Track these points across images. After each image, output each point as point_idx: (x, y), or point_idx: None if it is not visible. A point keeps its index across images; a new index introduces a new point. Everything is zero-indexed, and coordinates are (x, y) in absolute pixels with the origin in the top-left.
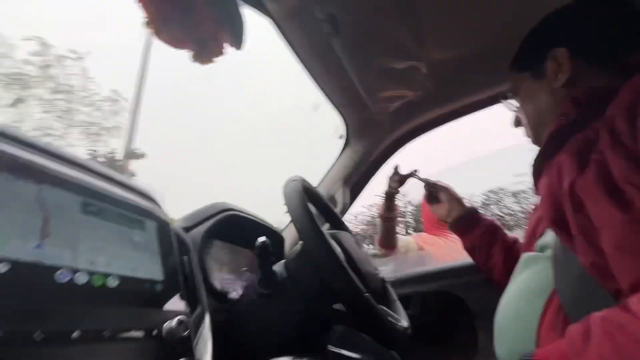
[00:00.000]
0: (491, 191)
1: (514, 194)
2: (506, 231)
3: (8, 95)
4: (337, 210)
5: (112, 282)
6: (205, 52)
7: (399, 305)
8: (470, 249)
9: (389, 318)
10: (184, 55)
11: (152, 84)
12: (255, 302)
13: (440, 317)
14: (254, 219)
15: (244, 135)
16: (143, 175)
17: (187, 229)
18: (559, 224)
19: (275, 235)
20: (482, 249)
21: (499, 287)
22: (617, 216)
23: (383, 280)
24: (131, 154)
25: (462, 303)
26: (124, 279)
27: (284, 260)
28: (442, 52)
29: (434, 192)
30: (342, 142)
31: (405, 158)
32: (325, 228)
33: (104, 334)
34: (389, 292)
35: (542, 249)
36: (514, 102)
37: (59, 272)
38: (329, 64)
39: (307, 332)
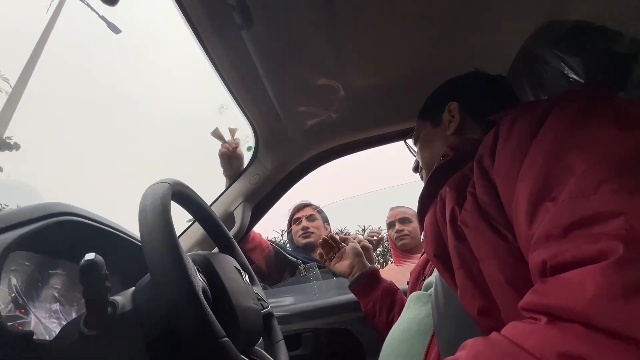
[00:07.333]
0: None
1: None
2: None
3: None
4: (235, 229)
5: None
6: None
7: (281, 347)
8: (370, 311)
9: None
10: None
11: (46, 72)
12: (74, 347)
13: (333, 354)
14: (110, 230)
15: (141, 139)
16: (16, 170)
17: None
18: (441, 257)
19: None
20: (382, 310)
21: None
22: (501, 245)
23: (270, 316)
24: None
25: (354, 339)
26: None
27: (132, 289)
28: (361, 78)
29: (341, 246)
30: (249, 154)
31: (310, 183)
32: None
33: None
34: (274, 331)
35: (427, 288)
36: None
37: None
38: (240, 64)
39: None
